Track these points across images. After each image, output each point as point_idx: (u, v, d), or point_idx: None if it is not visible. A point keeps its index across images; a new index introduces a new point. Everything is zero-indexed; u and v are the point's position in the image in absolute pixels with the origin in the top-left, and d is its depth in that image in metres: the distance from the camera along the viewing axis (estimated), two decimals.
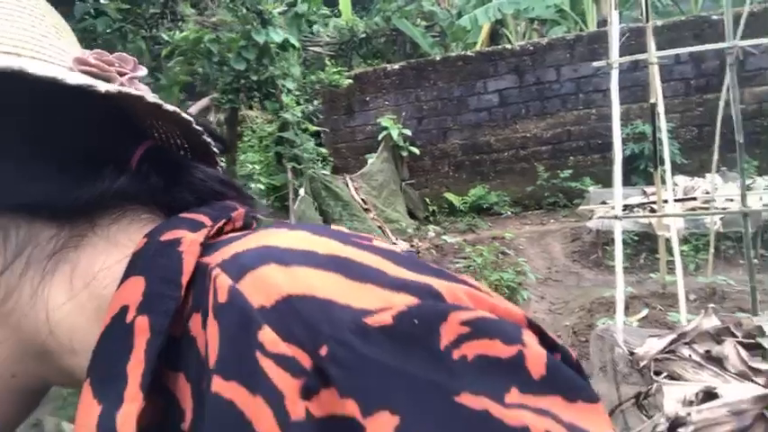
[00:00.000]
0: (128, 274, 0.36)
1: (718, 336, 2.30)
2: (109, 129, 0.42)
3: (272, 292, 0.31)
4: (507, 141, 8.27)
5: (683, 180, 6.09)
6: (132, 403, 0.32)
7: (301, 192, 6.07)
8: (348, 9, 9.73)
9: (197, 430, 0.32)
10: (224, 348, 0.30)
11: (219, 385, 0.30)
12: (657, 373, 2.18)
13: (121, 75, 0.40)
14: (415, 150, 8.26)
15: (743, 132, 3.03)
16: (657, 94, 3.70)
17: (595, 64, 3.47)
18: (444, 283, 0.33)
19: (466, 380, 0.29)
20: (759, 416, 1.86)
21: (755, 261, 3.41)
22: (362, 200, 7.17)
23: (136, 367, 0.33)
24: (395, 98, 8.41)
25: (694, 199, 5.43)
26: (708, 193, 5.36)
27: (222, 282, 0.32)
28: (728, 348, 2.17)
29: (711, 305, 2.74)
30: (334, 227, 0.41)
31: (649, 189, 5.88)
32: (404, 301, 0.31)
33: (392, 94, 8.40)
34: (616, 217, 3.11)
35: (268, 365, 0.29)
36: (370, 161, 7.83)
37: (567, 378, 0.31)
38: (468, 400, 0.28)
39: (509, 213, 8.13)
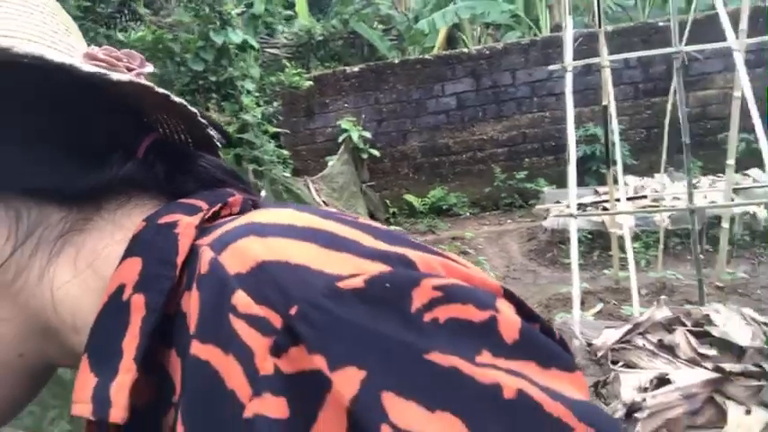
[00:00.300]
0: (126, 255, 0.37)
1: (669, 325, 2.42)
2: (118, 120, 0.43)
3: (248, 260, 0.32)
4: (465, 144, 8.40)
5: (632, 180, 6.31)
6: (126, 374, 0.34)
7: (263, 194, 6.03)
8: (305, 11, 9.71)
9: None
10: (201, 314, 0.32)
11: (197, 348, 0.31)
12: (614, 363, 2.28)
13: (129, 70, 0.41)
14: (375, 152, 8.30)
15: (689, 134, 3.19)
16: (609, 97, 3.84)
17: (551, 67, 3.58)
18: (419, 254, 0.33)
19: (436, 340, 0.29)
20: (708, 398, 1.97)
21: (701, 256, 3.58)
22: (324, 202, 7.16)
23: (131, 342, 0.34)
24: (354, 100, 8.43)
25: (644, 197, 5.64)
26: (657, 192, 5.58)
27: (205, 256, 0.34)
28: (679, 337, 2.28)
29: (663, 297, 2.87)
30: (323, 208, 0.43)
31: (601, 189, 6.07)
32: (378, 268, 0.31)
33: (351, 97, 8.42)
34: (571, 215, 3.22)
35: (240, 326, 0.30)
36: (330, 163, 7.83)
37: (541, 344, 0.31)
38: (438, 357, 0.28)
39: (468, 214, 8.26)
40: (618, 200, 4.23)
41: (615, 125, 4.07)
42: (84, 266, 0.39)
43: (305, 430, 0.28)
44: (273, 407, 0.28)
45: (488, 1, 8.64)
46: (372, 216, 8.26)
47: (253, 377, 0.29)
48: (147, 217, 0.39)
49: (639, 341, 2.34)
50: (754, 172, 5.78)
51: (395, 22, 9.41)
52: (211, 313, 0.32)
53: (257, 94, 6.43)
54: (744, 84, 2.83)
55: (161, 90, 0.40)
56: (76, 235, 0.39)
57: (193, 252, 0.36)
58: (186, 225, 0.38)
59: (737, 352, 2.18)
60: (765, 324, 2.33)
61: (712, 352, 2.17)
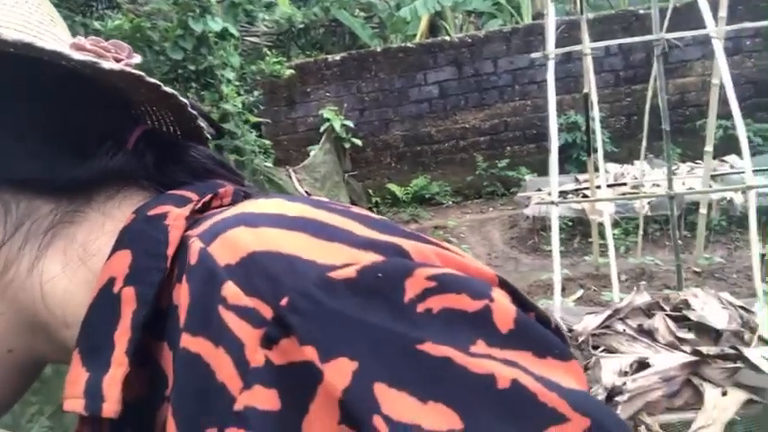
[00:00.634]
0: (116, 247, 0.37)
1: (648, 311, 2.46)
2: (106, 111, 0.42)
3: (238, 251, 0.32)
4: (447, 132, 8.41)
5: (613, 167, 6.37)
6: (118, 368, 0.33)
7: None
8: None
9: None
10: (191, 306, 0.32)
11: (187, 341, 0.31)
12: (595, 348, 2.31)
13: (117, 61, 0.40)
14: (358, 142, 8.27)
15: (668, 121, 3.22)
16: (591, 85, 3.86)
17: (534, 55, 3.59)
18: (412, 243, 0.33)
19: (429, 331, 0.28)
20: (686, 381, 2.01)
21: (680, 242, 3.63)
22: (306, 192, 7.14)
23: (122, 336, 0.34)
24: (336, 89, 8.38)
25: (624, 185, 5.70)
26: (636, 179, 5.64)
27: (195, 247, 0.34)
28: (658, 321, 2.32)
29: (642, 283, 2.92)
30: (314, 197, 0.43)
31: (582, 176, 6.12)
32: (370, 258, 0.31)
33: (333, 86, 8.37)
34: (553, 202, 3.24)
35: (229, 317, 0.30)
36: (312, 153, 7.78)
37: (537, 334, 0.31)
38: (431, 348, 0.28)
39: (450, 203, 8.29)
40: (598, 187, 4.27)
41: (596, 113, 4.10)
42: (73, 259, 0.39)
43: (296, 422, 0.28)
44: (264, 399, 0.28)
45: None
46: (355, 205, 8.23)
47: (243, 369, 0.29)
48: (137, 209, 0.39)
49: (619, 326, 2.38)
50: (731, 158, 5.87)
51: (376, 10, 9.34)
52: (201, 305, 0.31)
53: (238, 84, 6.36)
54: (723, 71, 2.86)
55: (152, 80, 0.40)
56: (66, 227, 0.39)
57: (184, 244, 0.36)
58: (176, 216, 0.37)
59: (714, 335, 2.22)
60: (741, 308, 2.38)
61: (690, 335, 2.21)
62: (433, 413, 0.27)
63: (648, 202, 5.11)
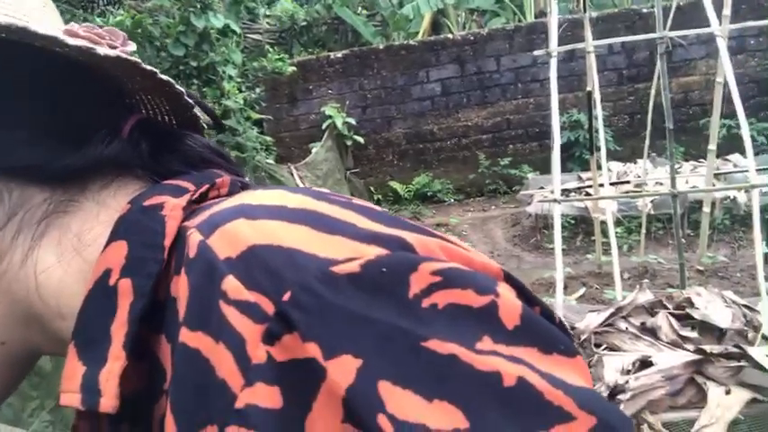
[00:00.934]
0: (111, 238, 0.36)
1: (651, 309, 2.45)
2: (101, 99, 0.42)
3: (238, 244, 0.31)
4: (450, 130, 8.39)
5: (615, 166, 6.36)
6: (115, 362, 0.33)
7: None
8: None
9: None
10: (190, 300, 0.31)
11: (186, 336, 0.30)
12: (597, 346, 2.30)
13: (112, 48, 0.40)
14: (360, 139, 8.26)
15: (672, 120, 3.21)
16: (594, 83, 3.85)
17: (536, 53, 3.57)
18: (417, 236, 0.32)
19: (434, 327, 0.28)
20: (689, 379, 2.00)
21: (683, 241, 3.62)
22: None
23: (119, 329, 0.33)
24: (338, 87, 8.37)
25: (627, 183, 5.69)
26: (639, 177, 5.63)
27: (193, 239, 0.33)
28: (661, 320, 2.31)
29: (645, 281, 2.91)
30: (315, 188, 0.41)
31: (585, 175, 6.11)
32: (374, 251, 0.30)
33: (336, 83, 8.36)
34: (555, 200, 3.23)
35: (230, 313, 0.29)
36: (314, 150, 7.78)
37: (542, 330, 0.30)
38: (436, 345, 0.27)
39: (452, 201, 8.28)
40: (601, 185, 4.26)
41: (599, 111, 4.09)
42: (68, 249, 0.38)
43: (299, 420, 0.27)
44: (266, 396, 0.28)
45: None
46: None
47: (244, 366, 0.28)
48: (133, 199, 0.38)
49: (622, 324, 2.37)
50: (734, 157, 5.85)
51: (379, 8, 9.33)
52: (200, 300, 0.31)
53: (239, 80, 6.36)
54: (726, 70, 2.84)
55: (148, 67, 0.39)
56: (60, 217, 0.38)
57: (181, 235, 0.35)
58: (173, 207, 0.37)
59: (718, 334, 2.21)
60: (745, 306, 2.37)
61: (693, 334, 2.20)
62: (439, 412, 0.26)
63: (651, 201, 5.10)
